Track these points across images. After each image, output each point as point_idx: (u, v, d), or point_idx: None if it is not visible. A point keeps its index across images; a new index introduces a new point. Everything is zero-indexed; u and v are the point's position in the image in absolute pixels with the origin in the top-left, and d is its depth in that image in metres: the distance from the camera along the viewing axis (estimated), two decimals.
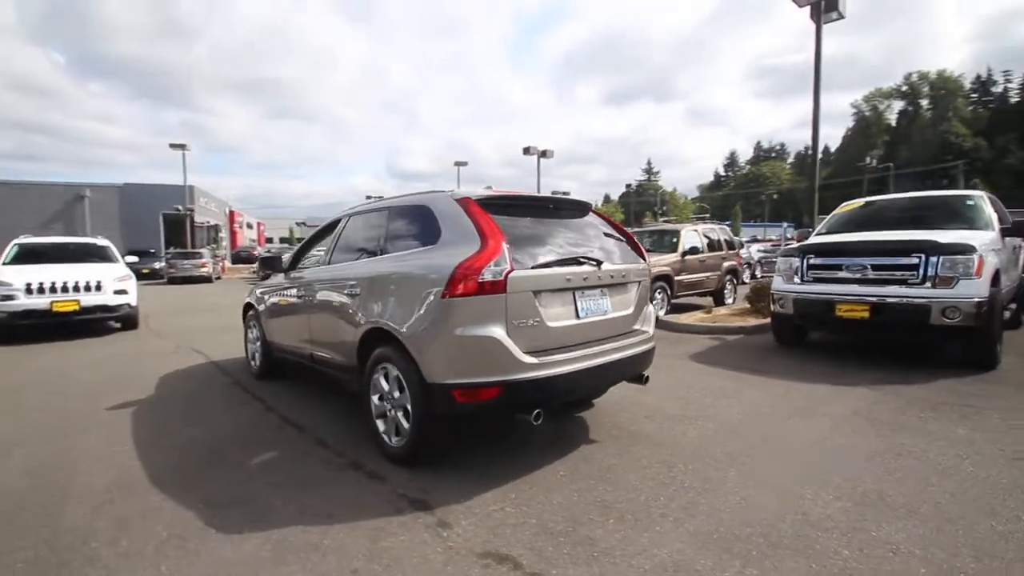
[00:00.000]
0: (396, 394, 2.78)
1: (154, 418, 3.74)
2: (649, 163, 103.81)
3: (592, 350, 2.74)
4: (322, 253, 3.93)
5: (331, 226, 4.16)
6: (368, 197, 51.35)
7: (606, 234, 3.20)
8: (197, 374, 5.13)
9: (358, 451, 3.03)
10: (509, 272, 2.46)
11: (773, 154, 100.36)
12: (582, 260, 2.85)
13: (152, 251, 24.95)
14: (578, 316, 2.76)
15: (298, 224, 67.68)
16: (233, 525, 2.25)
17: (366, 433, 3.26)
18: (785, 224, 53.43)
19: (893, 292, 4.69)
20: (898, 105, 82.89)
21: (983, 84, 79.52)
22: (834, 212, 6.63)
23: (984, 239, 4.76)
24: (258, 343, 4.78)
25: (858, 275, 4.93)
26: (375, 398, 2.96)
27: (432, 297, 2.52)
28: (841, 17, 10.96)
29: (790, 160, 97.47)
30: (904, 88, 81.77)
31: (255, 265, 26.09)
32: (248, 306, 5.04)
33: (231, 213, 42.82)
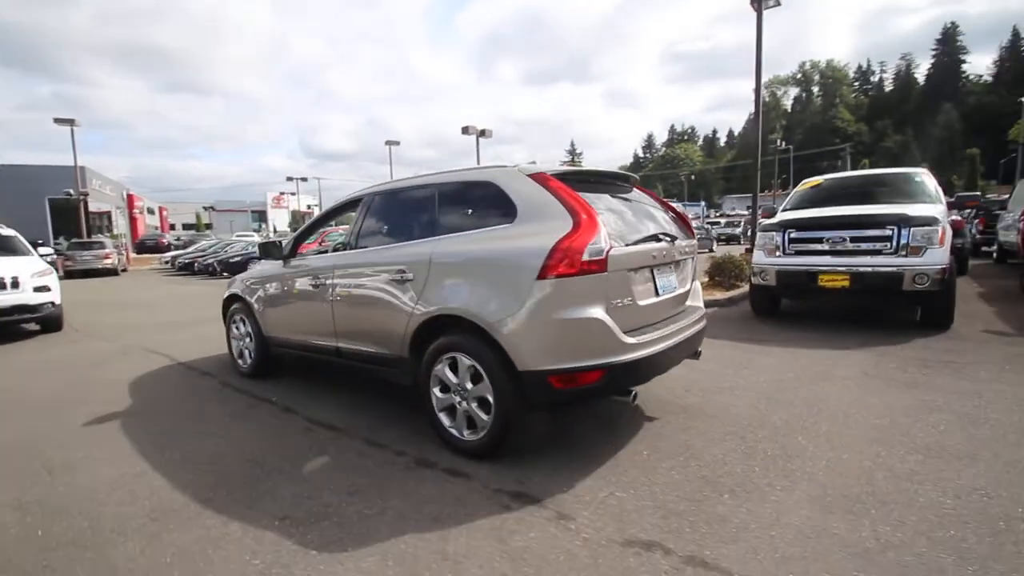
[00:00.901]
0: (469, 385, 2.59)
1: (150, 431, 3.25)
2: (572, 144, 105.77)
3: (672, 327, 2.71)
4: (337, 238, 3.57)
5: (341, 208, 3.80)
6: (289, 179, 47.79)
7: (657, 208, 3.16)
8: (170, 378, 4.54)
9: (418, 448, 2.82)
10: (610, 250, 2.36)
11: (685, 137, 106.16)
12: (660, 236, 2.80)
13: (40, 242, 21.80)
14: (657, 294, 2.72)
15: (205, 209, 62.09)
16: (333, 543, 2.00)
17: (416, 428, 3.05)
18: (702, 203, 56.93)
19: (870, 262, 5.10)
20: (793, 92, 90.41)
21: (864, 74, 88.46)
22: (795, 190, 7.09)
23: (941, 211, 5.30)
24: (248, 339, 4.30)
25: (838, 247, 5.31)
26: (436, 391, 2.76)
27: (523, 279, 2.36)
28: (778, 4, 11.62)
29: (699, 143, 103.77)
30: (799, 76, 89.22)
31: (167, 255, 23.61)
32: (232, 299, 4.51)
33: (129, 197, 38.39)
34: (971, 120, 61.00)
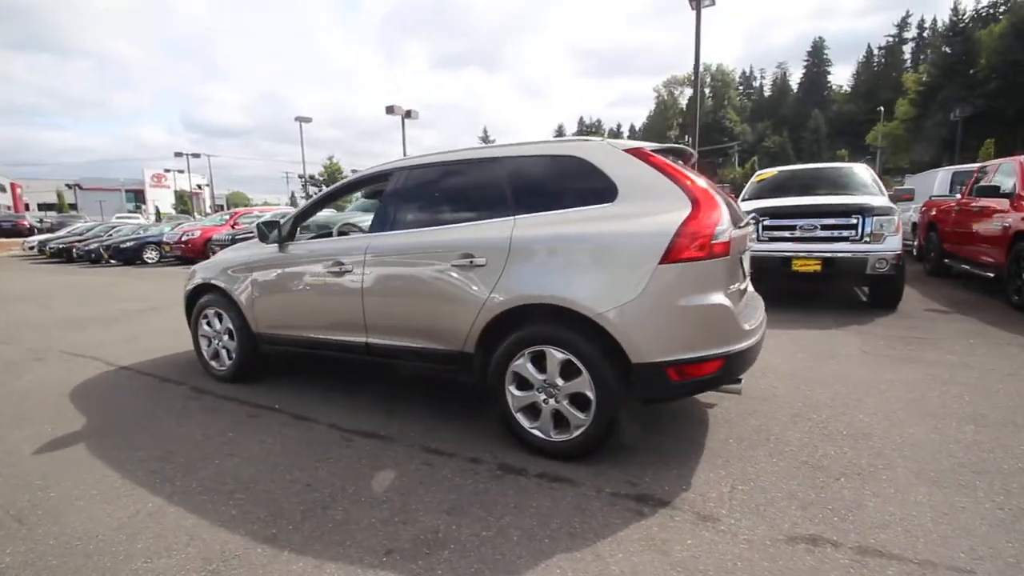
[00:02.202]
0: (560, 381, 2.35)
1: (133, 454, 2.62)
2: (485, 131, 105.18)
3: (760, 314, 2.66)
4: (358, 218, 3.10)
5: (356, 184, 3.31)
6: (178, 154, 42.67)
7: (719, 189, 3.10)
8: (123, 386, 3.74)
9: (491, 452, 2.53)
10: (732, 232, 2.22)
11: (593, 130, 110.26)
12: (742, 218, 2.72)
13: None
14: (744, 277, 2.65)
15: (69, 187, 53.47)
16: (472, 573, 1.69)
17: (470, 429, 2.76)
18: None
19: (839, 248, 5.51)
20: (688, 92, 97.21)
21: (747, 79, 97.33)
22: (751, 181, 7.52)
23: (891, 202, 5.86)
24: (227, 336, 3.65)
25: (810, 234, 5.67)
26: (513, 388, 2.48)
27: (641, 264, 2.15)
28: (712, 4, 12.21)
29: (605, 137, 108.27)
30: (694, 78, 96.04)
31: (32, 240, 19.97)
32: (202, 290, 3.79)
33: None
34: (834, 125, 69.61)
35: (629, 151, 2.39)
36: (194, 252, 13.65)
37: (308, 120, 30.01)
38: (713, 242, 2.15)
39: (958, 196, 7.82)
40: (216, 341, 3.74)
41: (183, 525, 2.00)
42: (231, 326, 3.60)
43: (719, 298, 2.19)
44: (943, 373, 3.55)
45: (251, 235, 12.83)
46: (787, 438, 2.63)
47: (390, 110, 22.07)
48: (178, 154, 41.77)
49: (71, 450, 2.69)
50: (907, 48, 74.66)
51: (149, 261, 14.85)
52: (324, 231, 4.26)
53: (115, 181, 63.25)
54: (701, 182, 2.31)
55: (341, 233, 3.79)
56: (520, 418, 2.49)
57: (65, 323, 6.18)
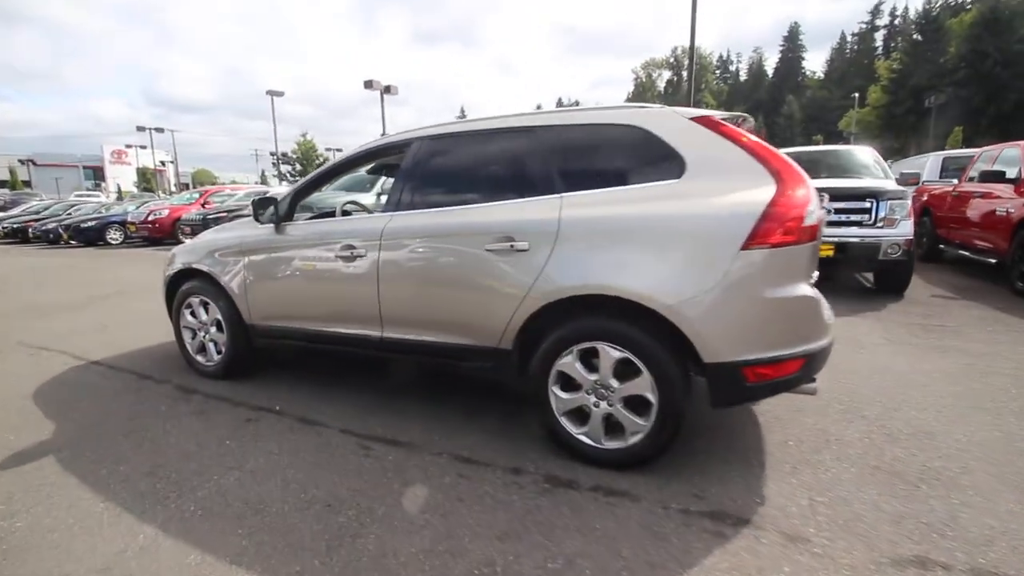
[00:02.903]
0: (614, 382, 2.08)
1: (117, 469, 2.26)
2: (463, 110, 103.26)
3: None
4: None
5: (367, 156, 2.93)
6: (141, 128, 40.39)
7: None
8: (97, 385, 3.32)
9: (532, 462, 2.26)
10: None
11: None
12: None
13: None
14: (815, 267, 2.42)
15: (22, 162, 50.32)
16: None
17: (501, 433, 2.48)
18: None
19: (853, 232, 5.37)
20: (667, 75, 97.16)
21: (724, 63, 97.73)
22: None
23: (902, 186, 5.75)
24: (214, 328, 3.26)
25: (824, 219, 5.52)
26: (558, 390, 2.21)
27: (720, 249, 1.88)
28: None
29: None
30: (672, 60, 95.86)
31: None
32: (185, 275, 3.37)
33: None
34: (808, 111, 70.61)
35: (696, 120, 2.10)
36: (162, 232, 12.91)
37: (280, 94, 28.70)
38: (803, 224, 1.89)
39: (954, 181, 7.81)
40: (202, 333, 3.35)
41: (185, 563, 1.68)
42: (219, 316, 3.21)
43: (806, 289, 1.95)
44: (979, 363, 3.43)
45: (224, 215, 12.14)
46: (847, 439, 2.44)
47: (368, 84, 21.20)
48: (140, 128, 39.64)
49: (40, 466, 2.31)
50: (879, 35, 75.96)
51: (113, 242, 13.97)
52: (322, 211, 3.86)
53: (72, 157, 59.81)
54: (781, 155, 2.04)
55: (344, 213, 3.40)
56: (565, 423, 2.23)
57: (25, 311, 5.62)
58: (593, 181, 2.18)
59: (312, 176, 3.08)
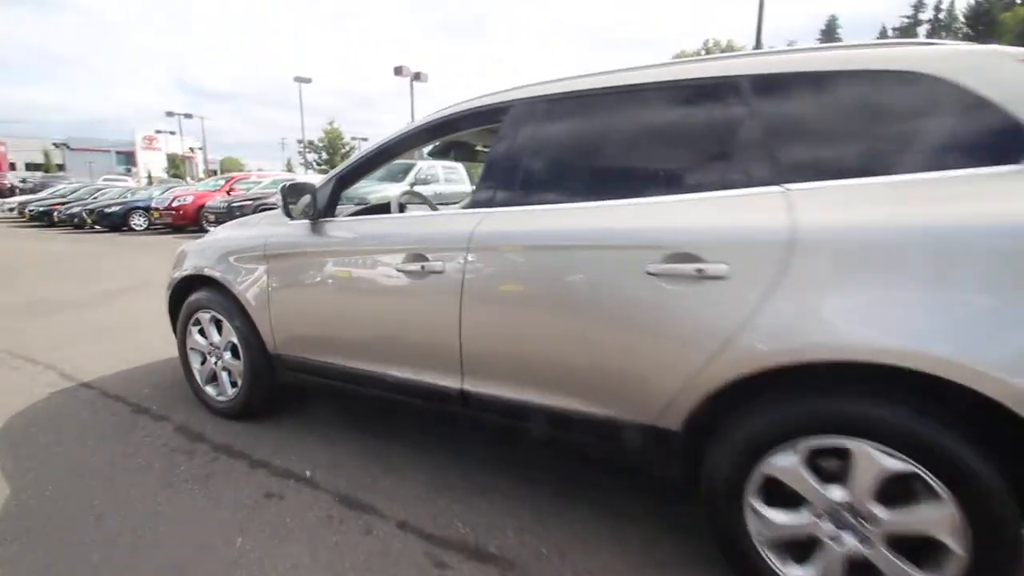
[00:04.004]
0: (878, 509, 1.21)
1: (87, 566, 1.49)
2: None
3: None
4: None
5: (446, 124, 2.05)
6: (169, 114, 40.55)
7: None
8: (78, 422, 2.57)
9: None
10: None
11: None
12: None
13: None
14: None
15: (56, 146, 51.22)
16: None
17: (668, 534, 1.63)
18: None
19: None
20: None
21: None
22: None
23: None
24: (228, 353, 2.49)
25: None
26: (760, 506, 1.35)
27: None
28: None
29: None
30: (703, 52, 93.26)
31: (12, 201, 18.49)
32: (192, 283, 2.61)
33: None
34: None
35: None
36: (186, 219, 12.40)
37: (307, 81, 28.21)
38: None
39: None
40: (213, 359, 2.58)
41: None
42: (235, 339, 2.44)
43: None
44: None
45: (249, 203, 11.57)
46: None
47: (398, 71, 20.45)
48: (169, 113, 39.79)
49: None
50: (922, 30, 72.14)
51: (136, 228, 13.53)
52: (363, 205, 3.05)
53: (105, 142, 60.75)
54: None
55: (400, 208, 2.58)
56: (772, 560, 1.37)
57: (27, 307, 4.98)
58: (845, 165, 1.30)
59: (359, 158, 2.22)
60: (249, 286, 2.32)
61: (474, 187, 1.86)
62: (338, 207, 2.27)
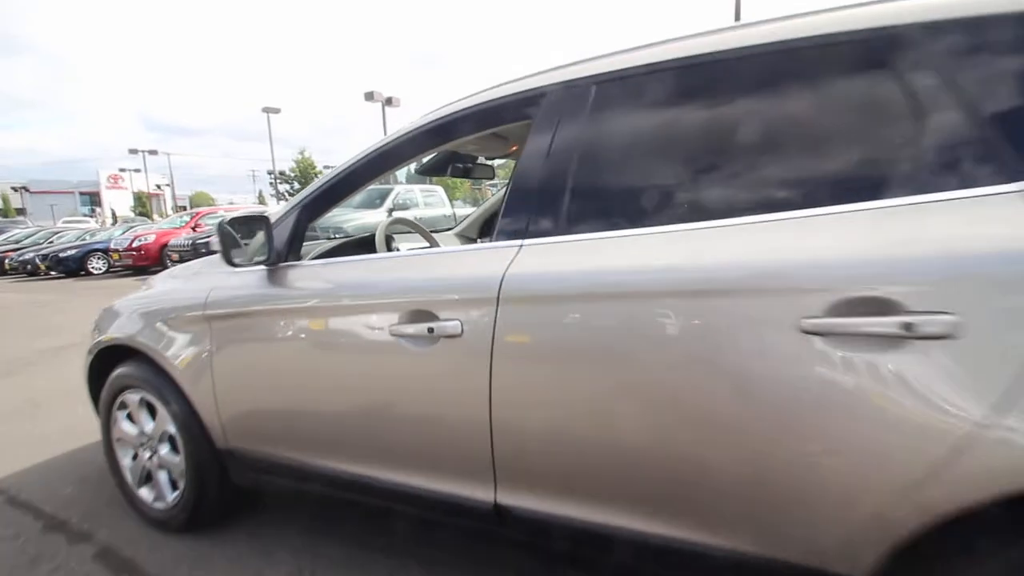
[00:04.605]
0: None
1: None
2: None
3: None
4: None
5: (443, 129, 1.47)
6: (133, 151, 39.24)
7: None
8: None
9: None
10: None
11: None
12: None
13: None
14: None
15: (15, 189, 49.27)
16: None
17: None
18: None
19: None
20: None
21: None
22: None
23: None
24: (166, 447, 1.86)
25: None
26: None
27: None
28: None
29: None
30: None
31: None
32: (115, 354, 1.97)
33: None
34: None
35: None
36: (148, 260, 11.61)
37: (276, 111, 27.60)
38: None
39: None
40: (147, 453, 1.95)
41: None
42: (172, 429, 1.82)
43: None
44: None
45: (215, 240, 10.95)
46: None
47: (369, 96, 20.01)
48: (133, 151, 38.61)
49: None
50: None
51: (95, 272, 12.63)
52: (339, 236, 2.47)
53: (68, 184, 58.87)
54: None
55: (388, 243, 1.99)
56: None
57: None
58: None
59: (329, 179, 1.62)
60: (185, 359, 1.71)
61: (501, 207, 1.28)
62: (305, 243, 1.70)
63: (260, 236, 1.60)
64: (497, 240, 1.25)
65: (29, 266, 13.29)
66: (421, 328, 1.24)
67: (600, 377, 1.08)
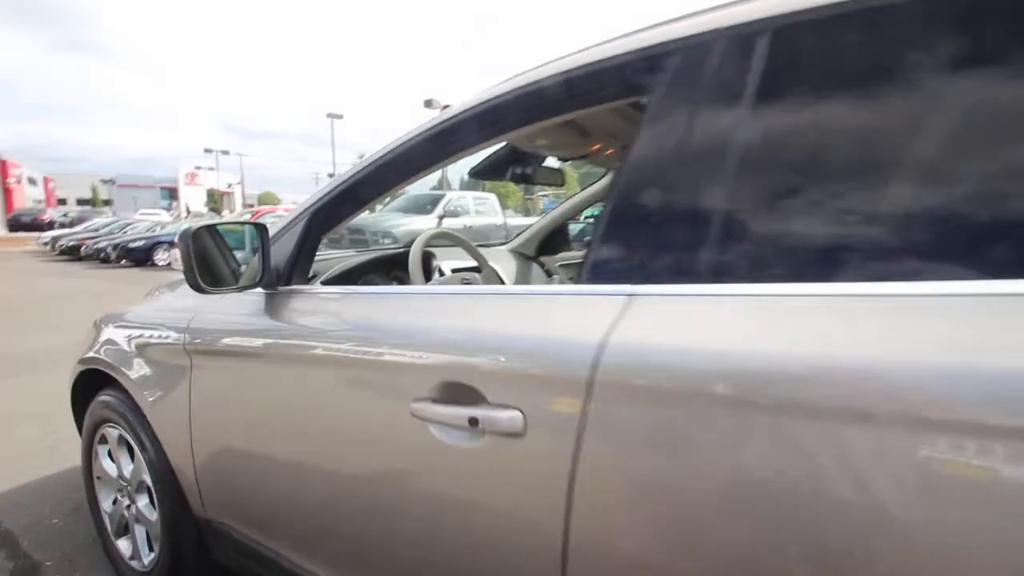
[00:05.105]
0: None
1: None
2: None
3: None
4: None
5: (507, 106, 1.01)
6: (208, 150, 41.77)
7: None
8: None
9: None
10: None
11: None
12: None
13: None
14: None
15: (104, 182, 53.66)
16: None
17: None
18: None
19: None
20: None
21: None
22: None
23: None
24: (144, 498, 1.52)
25: None
26: None
27: None
28: None
29: None
30: None
31: (46, 235, 18.64)
32: (95, 382, 1.65)
33: (2, 164, 31.89)
34: None
35: None
36: None
37: (339, 117, 28.46)
38: None
39: None
40: (125, 499, 1.61)
41: None
42: (149, 481, 1.47)
43: None
44: None
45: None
46: None
47: (428, 104, 20.16)
48: (207, 150, 40.98)
49: None
50: None
51: (160, 264, 13.14)
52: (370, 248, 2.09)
53: (151, 178, 63.49)
54: None
55: (426, 263, 1.57)
56: None
57: None
58: None
59: (348, 177, 1.17)
60: (160, 399, 1.34)
61: (597, 233, 0.80)
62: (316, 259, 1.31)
63: (255, 251, 1.20)
64: (589, 282, 0.78)
65: (102, 254, 14.03)
66: (459, 415, 0.79)
67: (771, 525, 0.59)
